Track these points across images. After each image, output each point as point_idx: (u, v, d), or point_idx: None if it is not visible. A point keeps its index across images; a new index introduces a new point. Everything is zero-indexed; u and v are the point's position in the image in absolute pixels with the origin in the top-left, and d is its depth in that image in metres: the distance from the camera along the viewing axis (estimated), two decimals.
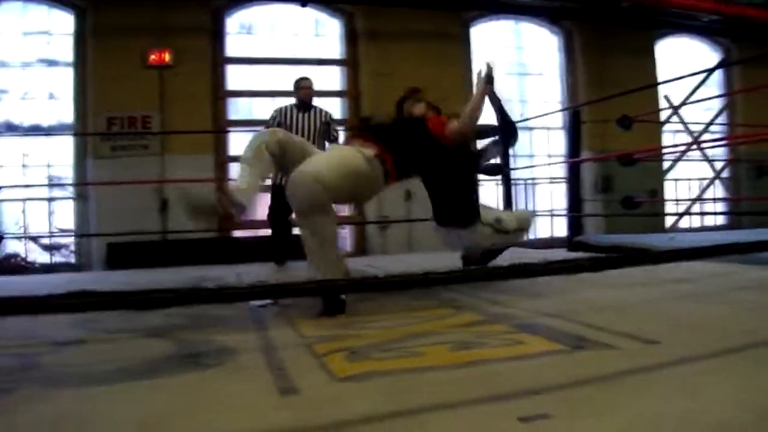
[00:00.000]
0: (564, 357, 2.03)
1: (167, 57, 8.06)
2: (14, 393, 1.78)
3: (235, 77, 8.70)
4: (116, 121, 7.93)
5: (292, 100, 5.95)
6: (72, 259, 8.28)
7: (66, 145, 8.27)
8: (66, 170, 8.32)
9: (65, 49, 8.27)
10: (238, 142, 8.31)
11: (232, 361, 2.14)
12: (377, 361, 2.06)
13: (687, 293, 3.25)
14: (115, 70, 7.90)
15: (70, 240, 8.37)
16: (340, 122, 8.92)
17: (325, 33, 9.25)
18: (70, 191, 8.35)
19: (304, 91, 5.87)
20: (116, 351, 2.39)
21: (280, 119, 5.77)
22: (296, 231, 5.99)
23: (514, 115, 4.47)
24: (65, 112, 8.28)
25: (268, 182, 5.64)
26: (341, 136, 6.15)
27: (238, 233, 8.21)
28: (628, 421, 1.44)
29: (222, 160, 8.37)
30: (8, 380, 1.91)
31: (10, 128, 8.11)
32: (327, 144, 5.90)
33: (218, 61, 8.48)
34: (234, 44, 8.75)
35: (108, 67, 7.92)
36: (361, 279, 1.61)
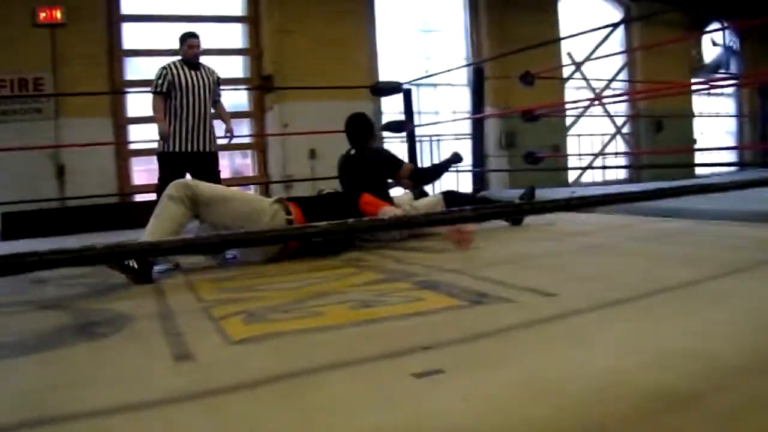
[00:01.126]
0: (462, 312, 2.04)
1: (59, 14, 7.63)
2: None
3: (131, 36, 8.34)
4: (5, 83, 7.48)
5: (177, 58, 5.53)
6: None
7: None
8: None
9: None
10: (136, 103, 8.04)
11: (128, 328, 2.09)
12: (274, 322, 2.04)
13: (587, 245, 3.33)
14: (2, 29, 7.44)
15: None
16: (239, 81, 8.76)
17: None
18: None
19: (192, 49, 5.43)
20: (7, 325, 2.27)
21: (169, 77, 5.34)
22: None
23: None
24: None
25: (156, 148, 5.49)
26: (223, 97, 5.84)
27: (139, 197, 7.99)
28: (521, 373, 1.45)
29: (121, 122, 8.06)
30: None
31: None
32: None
33: (114, 18, 8.10)
34: (129, 1, 8.36)
35: None
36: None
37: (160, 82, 5.36)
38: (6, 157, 6.84)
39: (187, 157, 5.37)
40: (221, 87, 5.75)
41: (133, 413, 1.35)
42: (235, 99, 8.53)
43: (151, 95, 5.43)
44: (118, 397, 1.42)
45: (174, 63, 5.43)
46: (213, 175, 5.41)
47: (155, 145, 5.56)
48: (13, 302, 2.66)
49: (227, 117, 5.78)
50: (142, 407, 1.37)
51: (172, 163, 5.36)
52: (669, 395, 1.27)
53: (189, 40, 5.45)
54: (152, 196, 7.67)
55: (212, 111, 5.57)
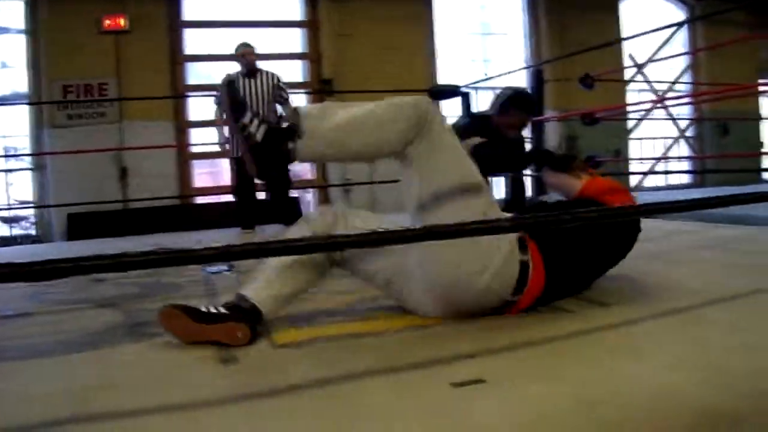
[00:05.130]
0: (513, 320, 1.99)
1: (122, 22, 7.86)
2: None
3: (192, 41, 8.51)
4: (72, 89, 7.73)
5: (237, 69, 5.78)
6: (32, 231, 8.12)
7: (21, 114, 8.06)
8: (22, 141, 8.13)
9: (17, 15, 8.01)
10: (197, 107, 8.18)
11: None
12: (322, 326, 2.03)
13: (647, 253, 3.23)
14: (69, 37, 7.69)
15: (29, 212, 8.20)
16: (299, 85, 8.81)
17: None
18: (27, 162, 8.16)
19: (246, 57, 5.66)
20: (61, 323, 2.32)
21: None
22: (261, 195, 6.00)
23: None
24: (19, 81, 8.05)
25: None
26: (292, 99, 5.96)
27: (200, 199, 8.13)
28: (572, 384, 1.41)
29: (182, 125, 8.22)
30: None
31: None
32: (278, 107, 5.80)
33: (175, 25, 8.28)
34: (191, 7, 8.53)
35: (62, 34, 7.71)
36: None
37: (217, 93, 5.65)
38: (72, 160, 7.05)
39: None
40: (286, 89, 5.86)
41: (173, 415, 1.35)
42: (295, 103, 8.57)
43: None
44: (158, 399, 1.43)
45: (234, 74, 5.61)
46: (279, 177, 5.58)
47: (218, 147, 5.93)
48: (70, 300, 2.73)
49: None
50: (182, 409, 1.38)
51: (241, 167, 5.39)
52: (719, 412, 1.22)
53: (242, 48, 5.67)
54: (210, 198, 7.92)
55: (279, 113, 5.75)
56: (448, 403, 1.34)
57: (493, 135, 3.39)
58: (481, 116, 3.67)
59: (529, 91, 3.89)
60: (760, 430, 1.14)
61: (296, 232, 2.05)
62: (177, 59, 8.28)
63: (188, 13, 8.47)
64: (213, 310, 1.86)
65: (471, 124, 3.65)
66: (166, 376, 1.63)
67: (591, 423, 1.20)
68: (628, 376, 1.45)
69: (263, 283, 1.97)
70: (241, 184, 5.70)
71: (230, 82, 2.04)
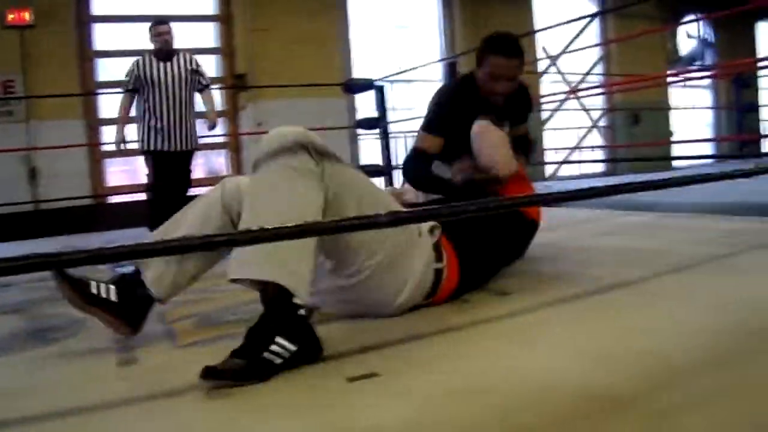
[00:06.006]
0: (411, 313, 2.02)
1: (27, 16, 7.54)
2: None
3: (103, 36, 8.26)
4: None
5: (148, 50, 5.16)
6: None
7: None
8: None
9: None
10: (108, 105, 7.97)
11: (81, 334, 2.10)
12: (224, 325, 2.03)
13: (549, 241, 3.32)
14: None
15: None
16: (213, 80, 8.67)
17: None
18: None
19: (161, 37, 5.00)
20: None
21: (137, 73, 4.97)
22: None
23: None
24: None
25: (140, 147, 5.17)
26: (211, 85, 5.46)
27: (114, 199, 7.95)
28: (463, 374, 1.45)
29: (93, 124, 7.99)
30: None
31: None
32: (197, 95, 5.30)
33: (84, 19, 8.02)
34: (100, 1, 8.27)
35: None
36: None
37: (126, 78, 5.08)
38: None
39: (165, 156, 5.10)
40: (205, 74, 5.36)
41: (68, 419, 1.34)
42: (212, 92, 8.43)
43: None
44: (55, 404, 1.42)
45: (143, 57, 5.07)
46: (185, 175, 5.28)
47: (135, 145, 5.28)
48: None
49: (210, 107, 5.38)
50: (77, 413, 1.37)
51: (159, 161, 5.10)
52: (605, 396, 1.27)
53: (156, 27, 5.06)
54: (127, 197, 7.73)
55: (193, 102, 5.25)
56: (343, 397, 1.37)
57: (482, 107, 2.73)
58: (465, 78, 3.03)
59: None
60: (645, 411, 1.19)
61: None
62: (86, 55, 8.04)
63: (97, 7, 8.22)
64: (102, 293, 1.79)
65: (455, 94, 2.99)
66: (64, 381, 1.62)
67: (482, 411, 1.24)
68: (519, 365, 1.50)
69: (163, 263, 1.86)
70: (157, 181, 5.16)
71: None
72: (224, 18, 8.82)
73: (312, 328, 1.62)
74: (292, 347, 1.53)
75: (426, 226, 1.98)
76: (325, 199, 1.72)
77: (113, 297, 1.80)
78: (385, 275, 1.86)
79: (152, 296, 1.86)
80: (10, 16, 7.49)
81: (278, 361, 1.51)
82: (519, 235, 2.52)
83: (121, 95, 5.17)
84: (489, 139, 2.54)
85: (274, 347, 1.50)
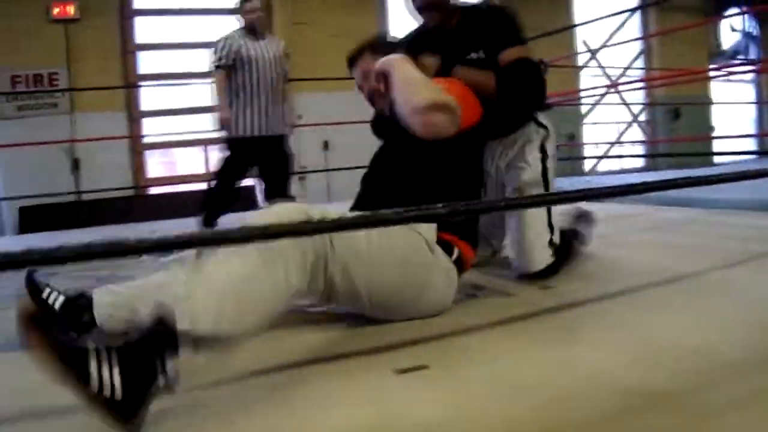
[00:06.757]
0: (456, 305, 2.03)
1: (72, 10, 7.69)
2: None
3: (144, 30, 8.36)
4: (20, 79, 7.56)
5: (236, 26, 4.58)
6: None
7: None
8: None
9: None
10: (149, 97, 8.10)
11: None
12: None
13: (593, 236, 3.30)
14: (16, 25, 7.52)
15: None
16: None
17: None
18: None
19: (253, 13, 4.47)
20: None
21: (235, 47, 4.39)
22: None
23: None
24: None
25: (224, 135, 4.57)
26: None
27: (155, 190, 8.06)
28: (507, 370, 1.45)
29: (135, 116, 8.11)
30: None
31: None
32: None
33: (126, 13, 8.13)
34: None
35: (9, 22, 7.53)
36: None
37: (224, 53, 4.40)
38: (22, 152, 6.91)
39: (257, 143, 4.53)
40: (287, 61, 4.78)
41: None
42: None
43: (213, 72, 4.52)
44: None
45: (235, 32, 4.51)
46: (284, 161, 4.76)
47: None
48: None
49: (290, 105, 4.89)
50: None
51: (240, 150, 4.52)
52: (651, 393, 1.26)
53: (246, 3, 4.48)
54: (166, 189, 7.84)
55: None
56: (391, 390, 1.37)
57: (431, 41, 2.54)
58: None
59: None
60: (690, 410, 1.18)
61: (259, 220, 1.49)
62: (128, 48, 8.15)
63: (139, 1, 8.34)
64: (104, 375, 1.19)
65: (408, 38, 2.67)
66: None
67: (523, 408, 1.24)
68: (566, 359, 1.49)
69: (213, 308, 1.33)
70: (227, 171, 4.61)
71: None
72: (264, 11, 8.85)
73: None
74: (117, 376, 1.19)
75: (429, 235, 1.89)
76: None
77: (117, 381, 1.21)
78: (420, 306, 1.89)
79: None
80: (56, 10, 7.64)
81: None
82: (470, 154, 2.23)
83: (215, 72, 4.52)
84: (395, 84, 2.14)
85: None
